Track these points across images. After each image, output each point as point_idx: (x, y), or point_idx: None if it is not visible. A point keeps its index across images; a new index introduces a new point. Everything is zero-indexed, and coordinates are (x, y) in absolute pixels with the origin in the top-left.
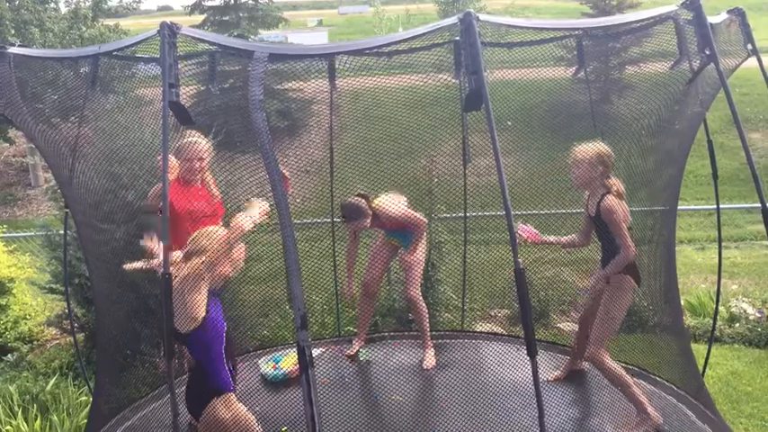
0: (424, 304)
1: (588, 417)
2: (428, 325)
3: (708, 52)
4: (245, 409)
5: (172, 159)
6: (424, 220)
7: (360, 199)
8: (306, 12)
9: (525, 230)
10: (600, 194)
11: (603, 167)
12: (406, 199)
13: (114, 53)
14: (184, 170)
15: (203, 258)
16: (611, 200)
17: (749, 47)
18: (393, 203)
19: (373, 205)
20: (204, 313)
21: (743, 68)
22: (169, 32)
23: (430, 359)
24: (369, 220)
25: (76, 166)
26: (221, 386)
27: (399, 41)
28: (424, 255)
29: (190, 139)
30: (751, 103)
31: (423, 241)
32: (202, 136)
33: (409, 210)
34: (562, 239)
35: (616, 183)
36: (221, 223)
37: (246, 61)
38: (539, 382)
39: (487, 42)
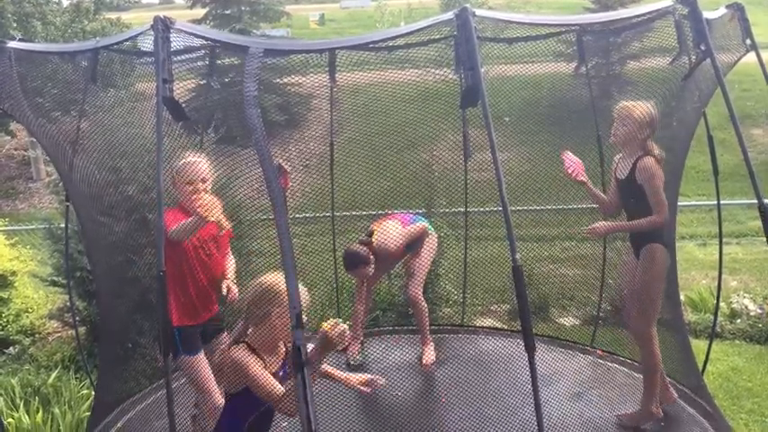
0: (424, 303)
1: (587, 411)
2: (428, 323)
3: (703, 48)
4: None
5: (203, 166)
6: (423, 227)
7: (359, 246)
8: (308, 6)
9: (572, 160)
10: (637, 155)
11: (651, 131)
12: (398, 221)
13: (112, 47)
14: (185, 197)
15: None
16: (649, 160)
17: (748, 42)
18: (390, 236)
19: (374, 245)
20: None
21: (744, 64)
22: (163, 27)
23: (429, 355)
24: (371, 267)
25: (76, 160)
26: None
27: (396, 37)
28: (430, 257)
29: (189, 160)
30: (752, 98)
31: (430, 242)
32: (201, 156)
33: (407, 229)
34: (599, 193)
35: (654, 147)
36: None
37: (244, 56)
38: (536, 377)
39: (485, 38)
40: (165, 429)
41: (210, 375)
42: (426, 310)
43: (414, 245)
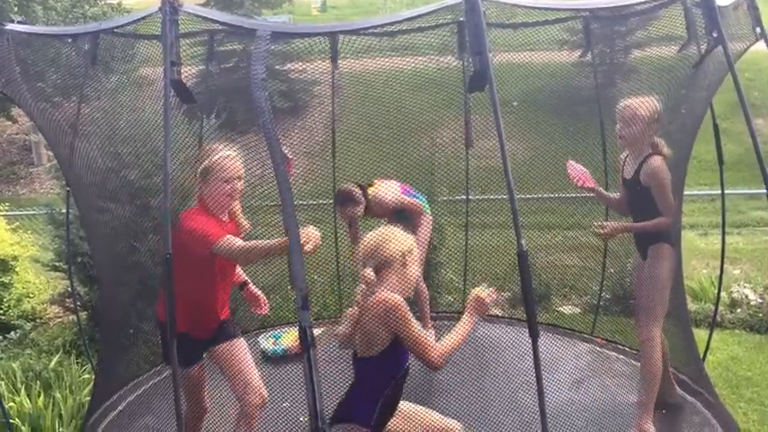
0: (425, 287)
1: (587, 398)
2: (428, 308)
3: (715, 35)
4: None
5: (239, 161)
6: (420, 204)
7: (355, 187)
8: None
9: (576, 170)
10: (644, 155)
11: (658, 126)
12: (399, 186)
13: (115, 30)
14: (216, 198)
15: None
16: (656, 161)
17: (758, 30)
18: (387, 191)
19: (369, 194)
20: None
21: (750, 53)
22: (171, 10)
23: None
24: (361, 208)
25: (77, 145)
26: (364, 421)
27: (401, 21)
28: (426, 238)
29: (226, 153)
30: (757, 88)
31: (425, 224)
32: (234, 148)
33: (404, 196)
34: (610, 195)
35: (661, 143)
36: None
37: (249, 40)
38: (539, 364)
39: (490, 23)
40: (165, 411)
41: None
42: (427, 294)
43: (405, 217)
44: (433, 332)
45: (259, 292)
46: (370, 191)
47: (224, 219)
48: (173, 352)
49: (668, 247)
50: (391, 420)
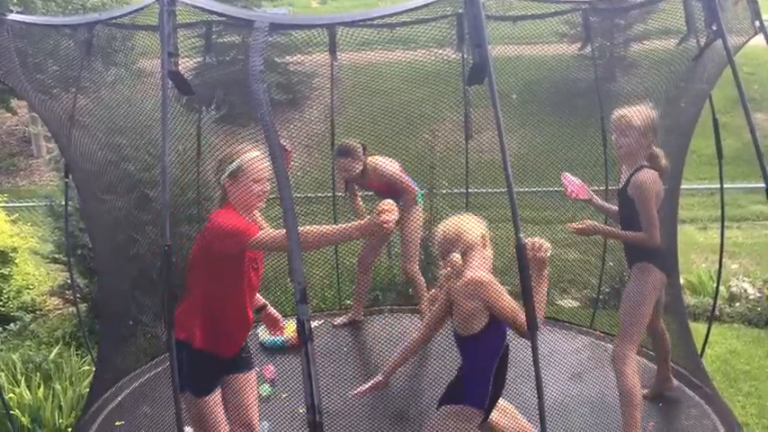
0: (422, 278)
1: (585, 391)
2: (426, 294)
3: (715, 28)
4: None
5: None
6: (415, 187)
7: (358, 144)
8: None
9: (571, 183)
10: (637, 166)
11: (653, 134)
12: (399, 165)
13: (112, 21)
14: (245, 199)
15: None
16: (645, 174)
17: (757, 24)
18: (387, 162)
19: (368, 161)
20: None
21: (749, 47)
22: (168, 0)
23: None
24: (359, 166)
25: (75, 136)
26: (473, 401)
27: (400, 13)
28: (419, 228)
29: (257, 154)
30: (756, 82)
31: (416, 213)
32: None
33: (402, 174)
34: (607, 206)
35: (661, 156)
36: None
37: (247, 32)
38: (538, 356)
39: (489, 16)
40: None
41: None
42: (424, 284)
43: (398, 196)
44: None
45: (278, 315)
46: (371, 158)
47: (249, 220)
48: (172, 344)
49: (653, 268)
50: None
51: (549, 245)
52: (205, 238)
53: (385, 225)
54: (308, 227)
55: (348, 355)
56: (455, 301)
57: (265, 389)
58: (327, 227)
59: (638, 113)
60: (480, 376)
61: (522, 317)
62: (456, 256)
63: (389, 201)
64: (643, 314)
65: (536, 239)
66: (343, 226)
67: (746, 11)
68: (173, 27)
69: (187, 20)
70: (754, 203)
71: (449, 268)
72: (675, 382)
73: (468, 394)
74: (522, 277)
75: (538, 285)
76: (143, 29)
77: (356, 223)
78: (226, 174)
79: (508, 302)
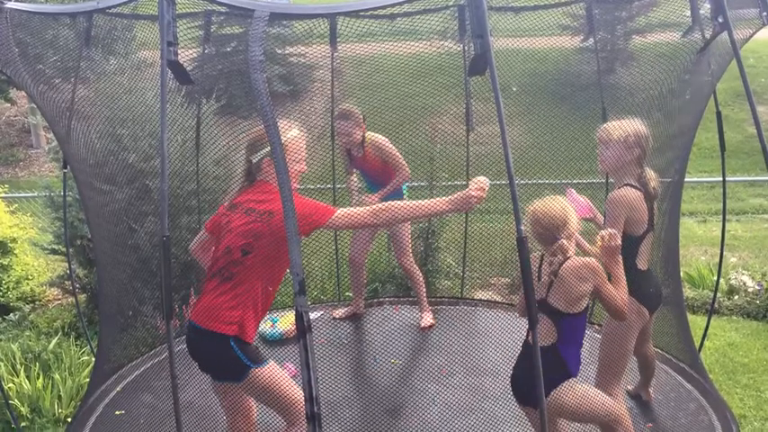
0: (419, 271)
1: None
2: (425, 291)
3: (721, 20)
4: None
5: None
6: (408, 170)
7: (358, 111)
8: None
9: (575, 201)
10: (622, 184)
11: (640, 151)
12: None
13: (112, 10)
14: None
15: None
16: (622, 191)
17: (764, 15)
18: (385, 139)
19: (367, 135)
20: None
21: (752, 40)
22: None
23: (427, 319)
24: (359, 133)
25: (74, 126)
26: (575, 372)
27: (402, 2)
28: (408, 223)
29: (297, 133)
30: (758, 75)
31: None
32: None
33: (399, 155)
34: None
35: (653, 179)
36: None
37: (247, 22)
38: (538, 351)
39: (491, 7)
40: (163, 390)
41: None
42: (421, 277)
43: (387, 179)
44: (431, 311)
45: None
46: (370, 133)
47: None
48: (170, 334)
49: (633, 300)
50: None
51: (615, 232)
52: (271, 222)
53: (474, 201)
54: (397, 202)
55: (347, 346)
56: (565, 280)
57: None
58: (416, 202)
59: (620, 127)
60: (574, 350)
61: (621, 303)
62: (565, 242)
63: (483, 178)
64: (626, 351)
65: (606, 232)
66: (433, 201)
67: (753, 2)
68: (172, 16)
69: (187, 10)
70: (754, 197)
71: (559, 255)
72: (651, 394)
73: (572, 366)
74: (522, 269)
75: (616, 268)
76: (142, 18)
77: (445, 198)
78: (265, 152)
79: (609, 285)
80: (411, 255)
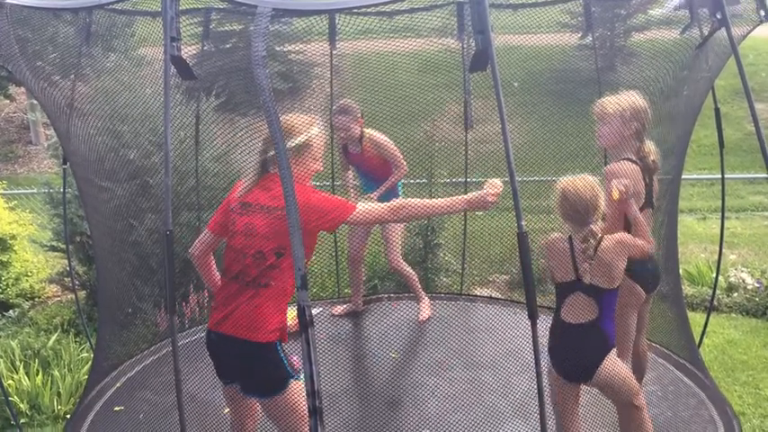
0: (409, 269)
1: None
2: (419, 284)
3: (719, 16)
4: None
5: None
6: (406, 165)
7: (357, 106)
8: None
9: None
10: (620, 158)
11: (638, 124)
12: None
13: (113, 6)
14: (303, 176)
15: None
16: (617, 165)
17: (762, 13)
18: (383, 136)
19: (365, 131)
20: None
21: (750, 37)
22: None
23: (425, 311)
24: (357, 128)
25: (74, 123)
26: (613, 344)
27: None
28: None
29: (318, 130)
30: (756, 72)
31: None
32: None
33: (396, 149)
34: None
35: (653, 152)
36: None
37: (248, 19)
38: (538, 345)
39: (493, 4)
40: (163, 386)
41: None
42: (413, 274)
43: (385, 176)
44: (428, 301)
45: None
46: (367, 130)
47: None
48: (174, 328)
49: (627, 280)
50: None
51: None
52: (307, 216)
53: (491, 201)
54: (415, 200)
55: (346, 341)
56: (605, 260)
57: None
58: (433, 201)
59: (616, 101)
60: (612, 323)
61: (647, 247)
62: (595, 228)
63: (497, 181)
64: (627, 330)
65: (619, 183)
66: (449, 200)
67: (751, 0)
68: (176, 11)
69: (187, 6)
70: (753, 194)
71: (591, 240)
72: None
73: (612, 339)
74: (523, 265)
75: (635, 214)
76: (145, 14)
77: (461, 197)
78: (289, 146)
79: (640, 243)
80: (399, 253)
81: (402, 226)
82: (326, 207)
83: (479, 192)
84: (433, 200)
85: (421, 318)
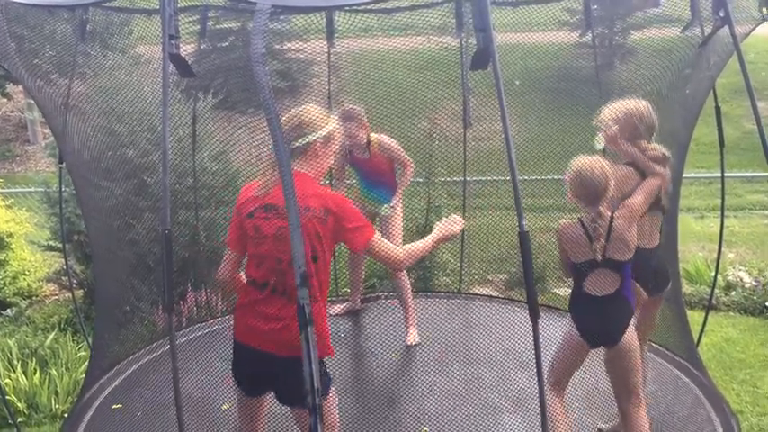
0: (406, 278)
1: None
2: (411, 300)
3: (722, 14)
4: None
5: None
6: (414, 165)
7: (361, 110)
8: None
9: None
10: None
11: (644, 128)
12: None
13: (111, 4)
14: (322, 171)
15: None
16: (617, 169)
17: (764, 11)
18: (389, 138)
19: (372, 136)
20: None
21: (749, 36)
22: None
23: (413, 336)
24: (364, 135)
25: (70, 122)
26: (634, 308)
27: None
28: (400, 227)
29: (336, 123)
30: (755, 71)
31: (397, 215)
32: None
33: (402, 150)
34: None
35: (655, 148)
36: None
37: (246, 16)
38: (539, 344)
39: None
40: (160, 384)
41: None
42: (408, 285)
43: (388, 193)
44: (416, 330)
45: None
46: (373, 135)
47: None
48: (172, 326)
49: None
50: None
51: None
52: (328, 221)
53: (457, 230)
54: (405, 249)
55: (345, 340)
56: (621, 234)
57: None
58: (416, 247)
59: (614, 107)
60: (629, 290)
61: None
62: (603, 211)
63: (459, 218)
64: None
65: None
66: (426, 243)
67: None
68: (174, 9)
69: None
70: (752, 193)
71: (600, 221)
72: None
73: (632, 303)
74: (524, 265)
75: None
76: (142, 12)
77: (432, 239)
78: (311, 137)
79: (639, 195)
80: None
81: (401, 233)
82: (362, 220)
83: (444, 228)
84: (417, 245)
85: (409, 342)
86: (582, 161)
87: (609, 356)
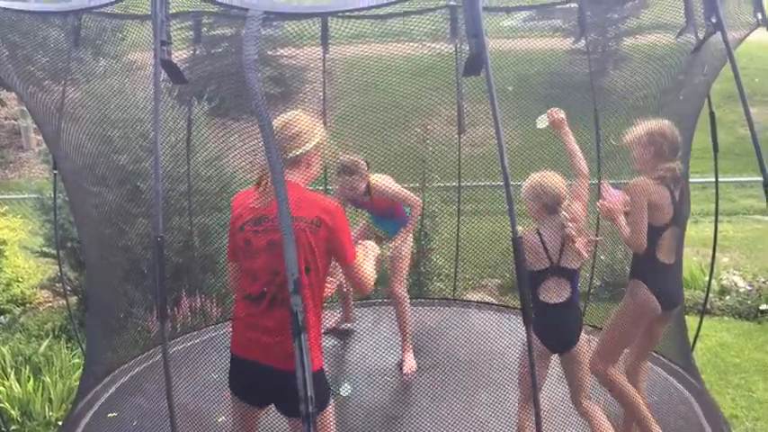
0: (407, 302)
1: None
2: (410, 325)
3: (714, 20)
4: None
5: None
6: (420, 201)
7: (361, 160)
8: None
9: (610, 193)
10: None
11: (655, 148)
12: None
13: (103, 10)
14: (312, 179)
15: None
16: (637, 182)
17: (759, 16)
18: (388, 181)
19: (370, 181)
20: None
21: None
22: None
23: (410, 363)
24: (364, 183)
25: (63, 128)
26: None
27: (393, 3)
28: (409, 253)
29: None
30: (748, 77)
31: (411, 230)
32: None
33: (400, 188)
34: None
35: (673, 167)
36: None
37: (239, 23)
38: (533, 350)
39: (486, 7)
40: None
41: None
42: (408, 309)
43: (397, 224)
44: (412, 355)
45: None
46: (371, 178)
47: None
48: (164, 335)
49: (643, 288)
50: None
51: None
52: (319, 233)
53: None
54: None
55: (339, 347)
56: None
57: (346, 389)
58: (366, 268)
59: (636, 128)
60: (578, 296)
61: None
62: (565, 215)
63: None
64: (625, 331)
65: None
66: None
67: (748, 3)
68: (166, 15)
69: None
70: (745, 197)
71: (569, 223)
72: None
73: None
74: (518, 270)
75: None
76: (134, 18)
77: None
78: (305, 148)
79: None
80: (404, 283)
81: (410, 253)
82: (349, 235)
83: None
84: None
85: (405, 370)
86: (539, 173)
87: (564, 359)
